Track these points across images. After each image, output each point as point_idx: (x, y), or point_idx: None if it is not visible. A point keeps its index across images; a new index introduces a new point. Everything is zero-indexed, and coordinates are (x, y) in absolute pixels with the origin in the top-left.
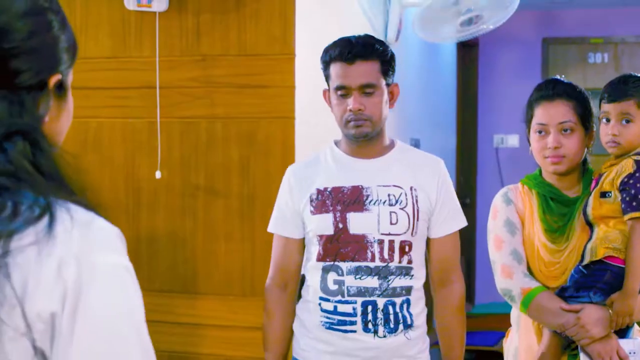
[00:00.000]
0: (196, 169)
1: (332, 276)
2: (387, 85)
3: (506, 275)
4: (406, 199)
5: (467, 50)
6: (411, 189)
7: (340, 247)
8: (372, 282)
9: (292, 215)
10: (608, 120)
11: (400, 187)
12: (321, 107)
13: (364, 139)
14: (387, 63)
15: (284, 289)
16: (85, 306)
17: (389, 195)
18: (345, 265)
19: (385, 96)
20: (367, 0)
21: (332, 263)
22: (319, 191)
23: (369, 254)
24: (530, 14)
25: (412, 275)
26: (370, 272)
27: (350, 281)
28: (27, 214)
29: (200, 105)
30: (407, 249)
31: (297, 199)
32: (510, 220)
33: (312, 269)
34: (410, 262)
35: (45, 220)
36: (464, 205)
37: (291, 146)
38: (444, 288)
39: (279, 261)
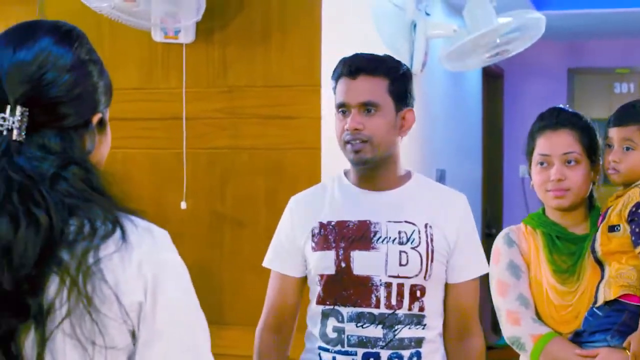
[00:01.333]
0: (222, 200)
1: (331, 322)
2: (398, 109)
3: (513, 321)
4: (419, 237)
5: (493, 81)
6: (426, 226)
7: (342, 289)
8: (376, 331)
9: (292, 251)
10: (610, 146)
11: (413, 224)
12: None
13: (366, 166)
14: (398, 82)
15: (276, 333)
16: (162, 293)
17: (399, 232)
18: (345, 311)
19: (393, 120)
20: (392, 32)
21: (332, 307)
22: (321, 225)
23: (373, 299)
24: (555, 45)
25: (425, 325)
26: (373, 319)
27: (350, 329)
28: (103, 228)
29: (226, 136)
30: (418, 294)
31: (298, 233)
32: (514, 263)
33: (312, 313)
34: (422, 309)
35: (118, 231)
36: (489, 236)
37: (317, 177)
38: (461, 342)
39: (273, 301)
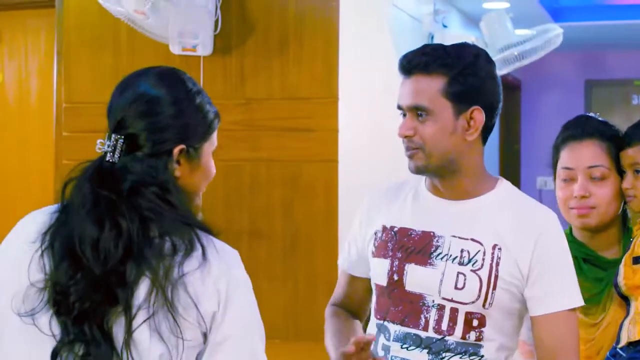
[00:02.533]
0: (240, 211)
1: (381, 339)
2: (460, 110)
3: (527, 354)
4: (483, 259)
5: (510, 92)
6: (494, 247)
7: (392, 304)
8: (420, 356)
9: (359, 249)
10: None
11: (480, 243)
12: (365, 150)
13: (424, 174)
14: (459, 80)
15: (344, 308)
16: (232, 305)
17: (462, 250)
18: (393, 329)
19: (450, 124)
20: (409, 44)
21: (382, 322)
22: (384, 229)
23: (422, 320)
24: (572, 56)
25: (483, 358)
26: (419, 342)
27: (395, 350)
28: (183, 246)
29: (244, 148)
30: (475, 323)
31: (364, 232)
32: None
33: (371, 324)
34: (480, 339)
35: (199, 249)
36: None
37: (334, 189)
38: None
39: (341, 293)
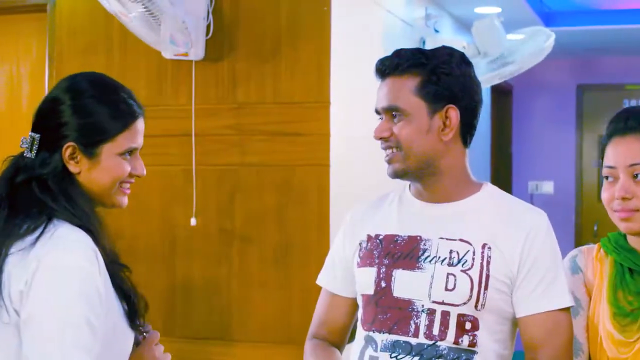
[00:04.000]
0: (231, 216)
1: (368, 351)
2: (434, 109)
3: None
4: (473, 259)
5: (502, 97)
6: (483, 247)
7: (380, 312)
8: None
9: (343, 266)
10: (607, 178)
11: (469, 243)
12: (356, 154)
13: (404, 178)
14: (432, 79)
15: (323, 340)
16: (38, 284)
17: (450, 251)
18: (380, 338)
19: (425, 124)
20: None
21: (368, 333)
22: (369, 238)
23: (412, 327)
24: (564, 61)
25: None
26: (409, 350)
27: None
28: (30, 230)
29: (236, 153)
30: (468, 326)
31: (348, 247)
32: (574, 295)
33: (357, 337)
34: (473, 344)
35: (37, 234)
36: None
37: (326, 194)
38: None
39: (320, 318)
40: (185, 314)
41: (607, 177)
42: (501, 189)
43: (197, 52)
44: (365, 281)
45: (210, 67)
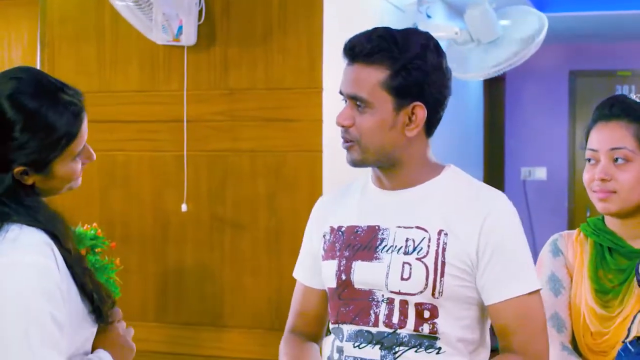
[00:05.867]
0: (223, 202)
1: (336, 342)
2: (401, 105)
3: None
4: (428, 246)
5: (494, 84)
6: (439, 233)
7: (342, 304)
8: (372, 352)
9: (312, 258)
10: (590, 160)
11: (425, 230)
12: None
13: (363, 167)
14: (402, 74)
15: (301, 335)
16: None
17: (406, 240)
18: (346, 329)
19: (389, 119)
20: None
21: (336, 325)
22: (332, 230)
23: (372, 316)
24: (556, 47)
25: (440, 350)
26: (370, 339)
27: (348, 350)
28: None
29: (227, 139)
30: (426, 314)
31: (315, 239)
32: (556, 276)
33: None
34: (434, 332)
35: None
36: None
37: (318, 180)
38: None
39: (297, 307)
40: (177, 300)
41: (589, 160)
42: (494, 175)
43: (188, 38)
44: (328, 274)
45: (202, 52)
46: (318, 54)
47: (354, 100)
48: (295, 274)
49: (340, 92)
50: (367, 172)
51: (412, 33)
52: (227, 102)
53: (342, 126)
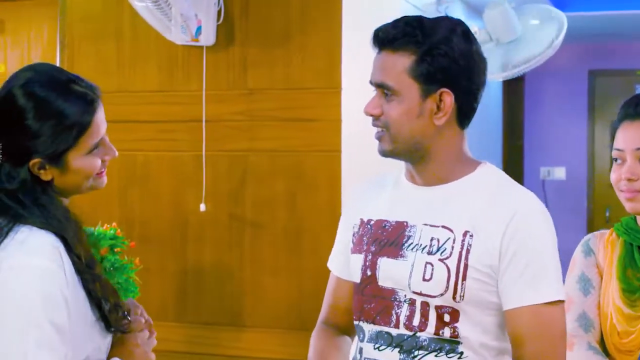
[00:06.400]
0: (242, 202)
1: (357, 342)
2: (428, 92)
3: (567, 345)
4: (452, 247)
5: (513, 83)
6: (465, 234)
7: (365, 302)
8: (392, 355)
9: (344, 249)
10: (616, 160)
11: (450, 230)
12: (368, 140)
13: (393, 158)
14: (429, 59)
15: (332, 327)
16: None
17: (432, 239)
18: (367, 328)
19: (416, 106)
20: None
21: (358, 323)
22: (361, 223)
23: (393, 317)
24: (576, 47)
25: (462, 355)
26: (390, 341)
27: (368, 351)
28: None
29: (246, 139)
30: (447, 318)
31: (347, 229)
32: (586, 275)
33: None
34: (455, 335)
35: (3, 239)
36: None
37: (337, 180)
38: None
39: (329, 299)
40: (196, 299)
41: (615, 159)
42: (513, 175)
43: (207, 38)
44: (354, 268)
45: (221, 52)
46: (337, 54)
47: (382, 89)
48: (329, 264)
49: (371, 82)
50: (400, 166)
51: (441, 19)
52: (246, 102)
53: (371, 115)
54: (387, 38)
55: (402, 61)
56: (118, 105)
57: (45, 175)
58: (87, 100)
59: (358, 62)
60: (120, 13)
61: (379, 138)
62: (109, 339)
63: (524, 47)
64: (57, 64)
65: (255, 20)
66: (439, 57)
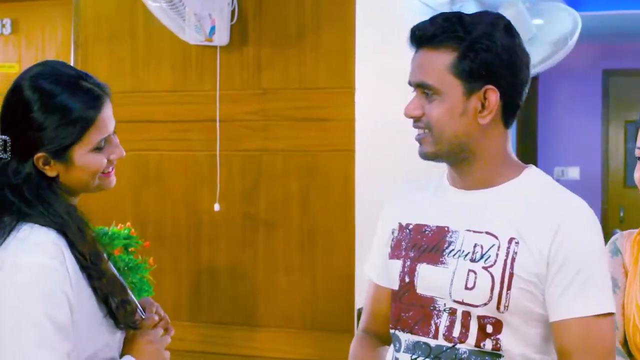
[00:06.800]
0: (256, 202)
1: (392, 352)
2: (471, 90)
3: None
4: (497, 255)
5: None
6: (510, 241)
7: (402, 310)
8: None
9: (382, 254)
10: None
11: (495, 237)
12: (381, 139)
13: (436, 160)
14: (471, 55)
15: (372, 335)
16: (2, 288)
17: (475, 245)
18: (404, 338)
19: (460, 105)
20: None
21: (394, 331)
22: (400, 227)
23: (432, 327)
24: (589, 46)
25: None
26: (428, 352)
27: None
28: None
29: (260, 138)
30: (489, 329)
31: (384, 233)
32: (612, 276)
33: None
34: (497, 348)
35: (4, 236)
36: None
37: (351, 179)
38: None
39: (369, 307)
40: (210, 299)
41: (638, 158)
42: None
43: (221, 38)
44: (392, 275)
45: (235, 52)
46: (351, 54)
47: (422, 89)
48: (366, 271)
49: (410, 83)
50: (442, 169)
51: (480, 14)
52: (260, 102)
53: (412, 117)
54: (425, 35)
55: (443, 58)
56: (132, 105)
57: (50, 171)
58: (93, 96)
59: (371, 62)
60: (134, 13)
61: (420, 140)
62: (119, 335)
63: (538, 47)
64: (72, 64)
65: (268, 20)
66: (481, 52)
